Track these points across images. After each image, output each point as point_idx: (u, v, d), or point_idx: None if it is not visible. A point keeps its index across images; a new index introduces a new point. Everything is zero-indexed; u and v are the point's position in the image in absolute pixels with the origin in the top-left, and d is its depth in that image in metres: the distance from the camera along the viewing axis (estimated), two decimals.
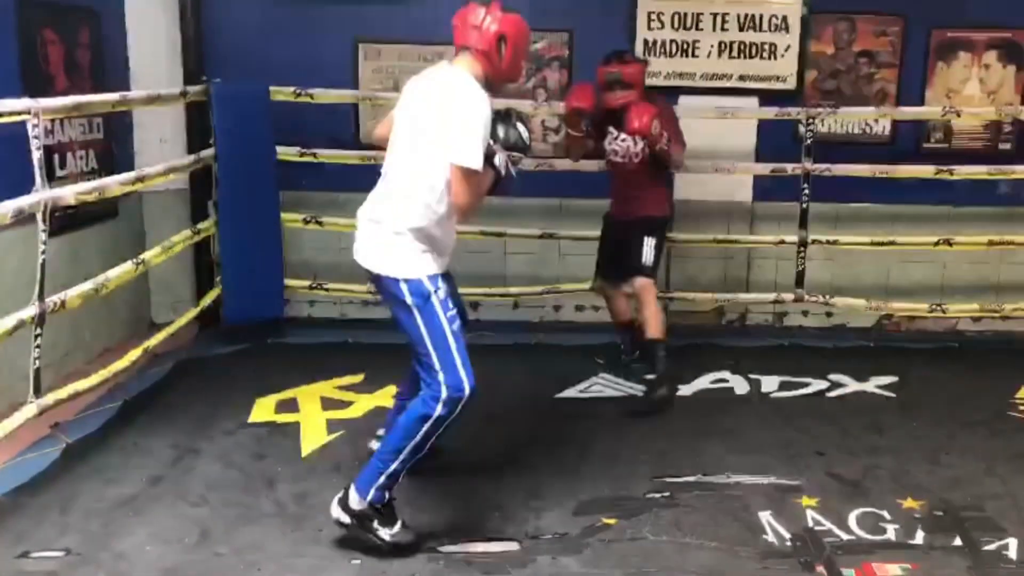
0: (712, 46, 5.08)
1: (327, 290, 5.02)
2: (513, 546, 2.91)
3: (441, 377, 2.73)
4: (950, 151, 5.12)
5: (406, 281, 2.76)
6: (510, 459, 3.54)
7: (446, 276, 2.87)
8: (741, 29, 5.07)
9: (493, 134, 2.75)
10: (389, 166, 2.87)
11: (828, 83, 5.13)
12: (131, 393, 4.02)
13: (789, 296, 4.96)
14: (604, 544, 2.93)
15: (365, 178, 4.84)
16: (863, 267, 5.19)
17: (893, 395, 4.32)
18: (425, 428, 2.74)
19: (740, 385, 4.41)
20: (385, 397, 4.01)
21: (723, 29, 5.07)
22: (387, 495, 2.80)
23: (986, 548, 2.95)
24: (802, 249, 4.88)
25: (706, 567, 2.82)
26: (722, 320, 5.32)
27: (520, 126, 2.86)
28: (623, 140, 4.08)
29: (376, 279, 2.85)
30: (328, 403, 4.06)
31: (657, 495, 3.25)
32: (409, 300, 2.75)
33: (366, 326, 5.03)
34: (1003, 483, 3.41)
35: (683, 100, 4.97)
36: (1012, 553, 2.93)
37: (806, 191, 4.78)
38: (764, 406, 4.18)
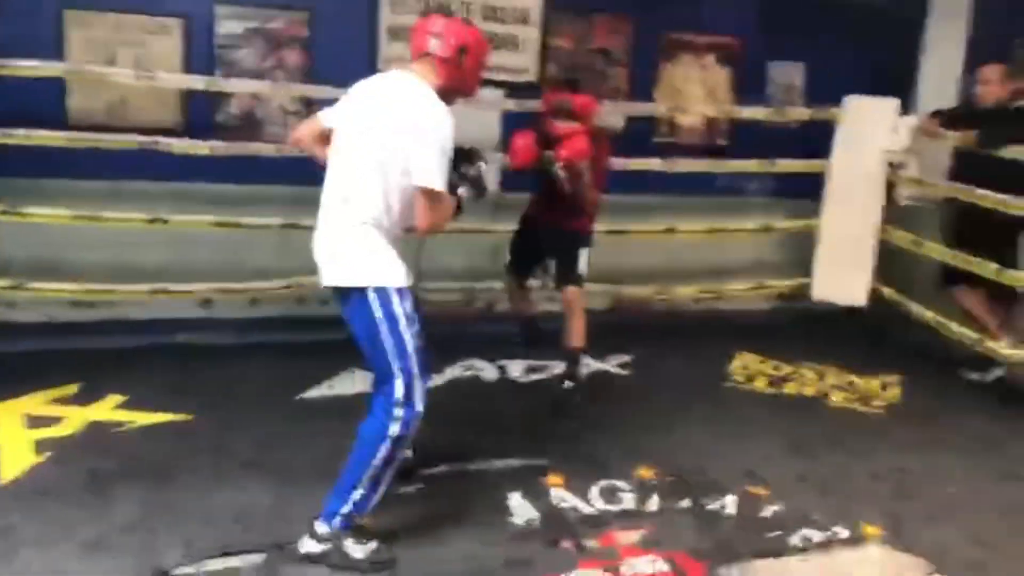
0: None
1: (30, 290, 4.41)
2: (257, 559, 2.71)
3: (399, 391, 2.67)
4: (676, 145, 5.53)
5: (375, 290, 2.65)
6: (254, 466, 3.32)
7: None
8: (485, 19, 5.13)
9: (455, 167, 2.72)
10: (345, 182, 2.71)
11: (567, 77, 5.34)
12: None
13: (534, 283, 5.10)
14: None
15: (76, 163, 4.41)
16: (598, 254, 5.43)
17: (627, 372, 4.59)
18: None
19: (489, 371, 4.48)
20: (104, 410, 3.62)
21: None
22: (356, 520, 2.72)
23: (709, 507, 3.20)
24: None
25: (459, 554, 2.80)
26: (473, 308, 5.36)
27: (482, 166, 2.85)
28: (561, 169, 3.95)
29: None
30: (34, 420, 3.57)
31: (411, 488, 3.18)
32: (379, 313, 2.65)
33: (78, 330, 4.52)
34: (722, 446, 3.72)
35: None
36: (730, 509, 3.20)
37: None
38: (512, 390, 4.26)
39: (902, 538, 3.05)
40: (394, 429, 2.65)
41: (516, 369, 4.51)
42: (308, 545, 2.72)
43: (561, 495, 3.22)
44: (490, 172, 2.93)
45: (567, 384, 4.13)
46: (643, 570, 2.78)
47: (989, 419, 4.19)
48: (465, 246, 5.15)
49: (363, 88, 2.80)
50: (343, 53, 4.87)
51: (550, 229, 4.15)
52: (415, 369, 2.68)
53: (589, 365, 4.56)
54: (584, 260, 4.13)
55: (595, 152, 3.94)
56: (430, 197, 2.62)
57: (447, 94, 2.73)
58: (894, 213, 5.22)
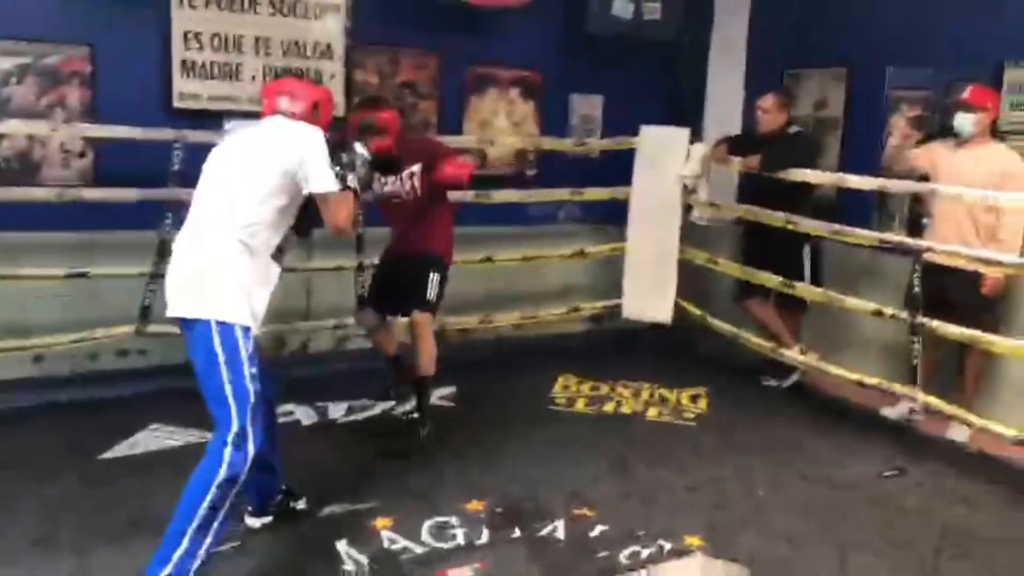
0: (257, 70, 4.93)
1: None
2: None
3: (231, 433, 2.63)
4: (487, 177, 5.60)
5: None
6: (48, 539, 3.00)
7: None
8: (285, 54, 5.00)
9: (336, 161, 2.88)
10: (208, 208, 2.82)
11: None
12: None
13: (350, 320, 4.97)
14: None
15: None
16: None
17: (453, 404, 4.56)
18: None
19: (306, 415, 4.30)
20: None
21: (267, 54, 4.95)
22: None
23: (540, 534, 3.22)
24: (360, 272, 4.93)
25: None
26: (283, 351, 5.15)
27: (358, 148, 3.05)
28: (395, 182, 3.95)
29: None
30: None
31: (227, 547, 2.94)
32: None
33: None
34: (549, 471, 3.76)
35: (229, 125, 4.75)
36: (560, 534, 3.23)
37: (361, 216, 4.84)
38: (333, 433, 4.11)
39: (720, 546, 3.19)
40: (224, 472, 2.58)
41: (336, 411, 4.36)
42: None
43: (391, 536, 3.13)
44: (364, 153, 3.09)
45: (415, 415, 4.04)
46: None
47: (788, 422, 4.51)
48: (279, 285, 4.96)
49: (233, 135, 3.10)
50: (132, 90, 4.58)
51: (402, 256, 4.14)
52: (250, 412, 2.64)
53: (410, 399, 4.49)
54: (435, 284, 4.02)
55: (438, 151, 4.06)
56: (330, 200, 2.82)
57: None
58: (692, 234, 5.55)
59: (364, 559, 2.96)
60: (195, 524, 2.54)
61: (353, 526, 3.18)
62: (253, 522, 3.12)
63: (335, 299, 5.06)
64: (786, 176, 4.73)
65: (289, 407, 4.30)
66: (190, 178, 4.35)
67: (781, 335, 4.96)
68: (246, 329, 2.69)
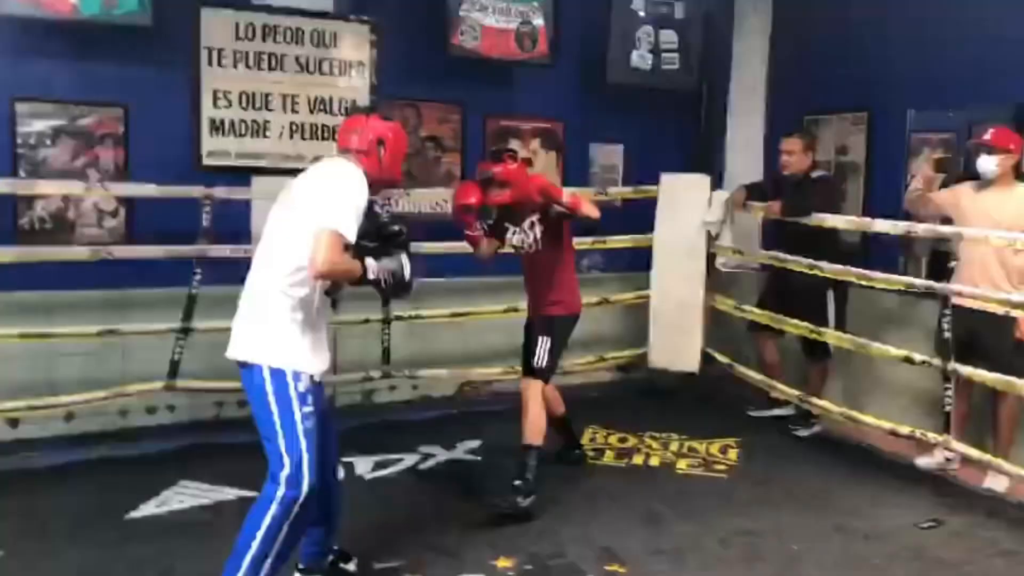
0: (283, 127, 5.03)
1: None
2: None
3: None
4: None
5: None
6: None
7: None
8: (312, 111, 5.09)
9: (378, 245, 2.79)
10: (263, 252, 2.80)
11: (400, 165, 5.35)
12: None
13: (377, 373, 4.99)
14: None
15: None
16: (443, 339, 5.42)
17: (480, 458, 4.52)
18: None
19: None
20: None
21: (294, 111, 5.05)
22: None
23: None
24: (386, 326, 4.95)
25: None
26: None
27: (404, 259, 2.85)
28: (519, 233, 3.92)
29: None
30: None
31: None
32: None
33: None
34: (578, 526, 3.70)
35: (256, 181, 4.83)
36: None
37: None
38: (360, 489, 4.09)
39: None
40: (275, 510, 2.63)
41: (363, 466, 4.33)
42: None
43: None
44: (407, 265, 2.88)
45: (515, 482, 3.75)
46: None
47: (821, 473, 4.43)
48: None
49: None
50: (163, 149, 4.68)
51: (529, 319, 4.09)
52: (304, 452, 2.67)
53: (436, 456, 4.48)
54: (544, 350, 3.86)
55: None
56: (326, 239, 2.59)
57: (371, 186, 2.82)
58: (717, 281, 5.53)
59: None
60: (246, 564, 2.61)
61: None
62: None
63: (359, 353, 5.07)
64: (809, 221, 4.72)
65: None
66: (219, 234, 4.47)
67: (774, 371, 5.02)
68: (296, 373, 2.71)
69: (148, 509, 3.76)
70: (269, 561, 2.64)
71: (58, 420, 4.50)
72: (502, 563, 3.34)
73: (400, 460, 4.40)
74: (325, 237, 2.60)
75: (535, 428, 3.81)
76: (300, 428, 2.68)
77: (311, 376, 2.75)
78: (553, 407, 4.13)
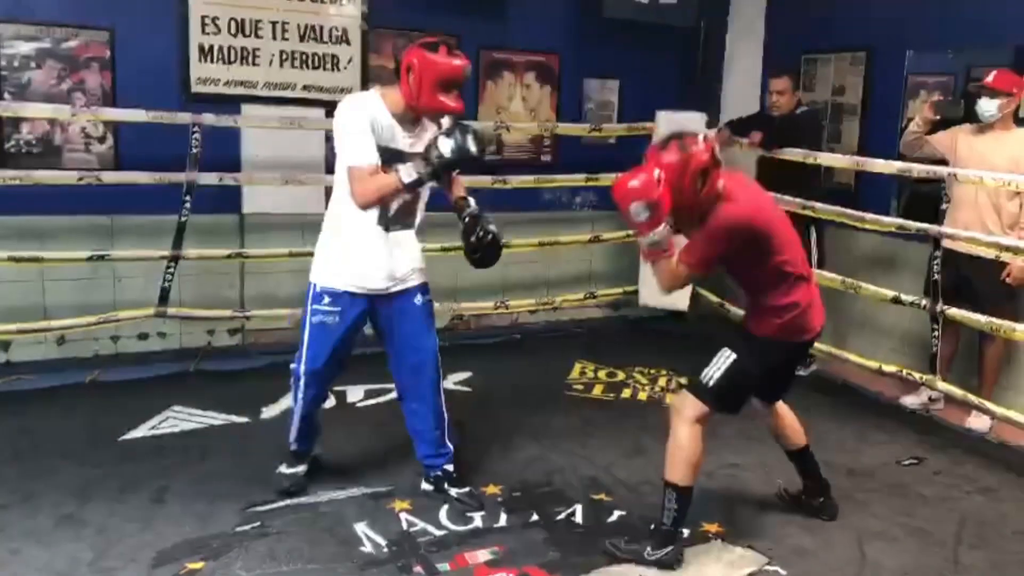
0: (273, 55, 4.93)
1: None
2: None
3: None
4: (503, 162, 5.59)
5: None
6: (71, 519, 3.03)
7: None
8: (302, 39, 5.00)
9: (436, 150, 2.85)
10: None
11: None
12: None
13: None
14: None
15: None
16: (434, 271, 5.38)
17: (469, 389, 4.56)
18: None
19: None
20: None
21: (284, 38, 4.95)
22: (299, 445, 3.36)
23: (557, 519, 3.23)
24: None
25: None
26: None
27: (459, 136, 2.89)
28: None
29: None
30: None
31: (247, 527, 3.01)
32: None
33: None
34: (565, 456, 3.76)
35: (246, 109, 4.78)
36: (578, 519, 3.24)
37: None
38: (351, 417, 4.13)
39: (738, 533, 3.19)
40: (292, 380, 3.24)
41: (355, 394, 4.37)
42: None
43: (410, 519, 3.15)
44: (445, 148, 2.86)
45: (651, 527, 3.02)
46: None
47: (807, 410, 4.44)
48: (290, 271, 4.99)
49: None
50: (150, 74, 4.59)
51: None
52: (305, 340, 3.15)
53: None
54: (719, 364, 2.98)
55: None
56: (349, 177, 2.90)
57: (411, 109, 2.96)
58: None
59: (383, 541, 2.99)
60: (293, 420, 3.32)
61: (372, 509, 3.20)
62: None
63: None
64: (795, 157, 4.69)
65: None
66: (208, 162, 4.42)
67: None
68: (322, 288, 3.10)
69: (141, 432, 3.79)
70: (297, 416, 3.27)
71: (50, 344, 4.50)
72: (491, 490, 3.40)
73: (391, 390, 4.39)
74: (347, 175, 2.91)
75: (674, 460, 2.97)
76: (306, 334, 3.14)
77: (334, 288, 3.08)
78: (790, 437, 3.36)
